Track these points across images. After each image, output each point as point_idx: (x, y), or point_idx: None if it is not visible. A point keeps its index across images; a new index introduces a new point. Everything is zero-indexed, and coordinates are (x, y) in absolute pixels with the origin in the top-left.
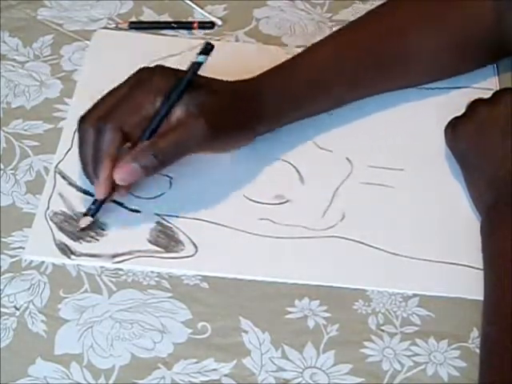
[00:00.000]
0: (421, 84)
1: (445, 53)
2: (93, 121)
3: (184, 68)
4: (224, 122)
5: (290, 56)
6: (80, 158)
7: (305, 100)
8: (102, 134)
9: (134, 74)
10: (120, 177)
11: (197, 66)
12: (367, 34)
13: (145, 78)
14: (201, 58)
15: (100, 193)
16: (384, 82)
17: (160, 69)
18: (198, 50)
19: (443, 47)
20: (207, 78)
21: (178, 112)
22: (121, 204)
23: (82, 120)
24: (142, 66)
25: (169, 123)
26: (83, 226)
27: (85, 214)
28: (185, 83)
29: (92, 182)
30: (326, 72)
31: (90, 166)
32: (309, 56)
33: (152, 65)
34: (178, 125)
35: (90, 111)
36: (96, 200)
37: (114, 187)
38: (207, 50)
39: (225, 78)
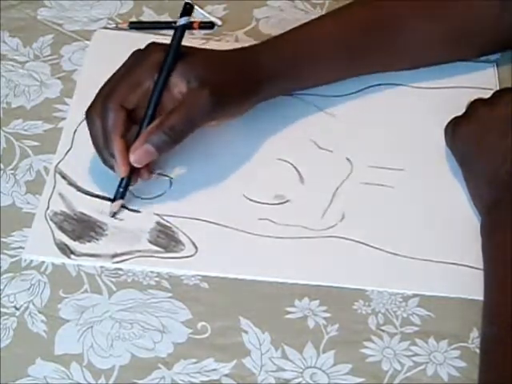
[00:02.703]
0: (418, 66)
1: (444, 41)
2: (95, 107)
3: None
4: (227, 90)
5: None
6: (94, 147)
7: (303, 69)
8: (107, 115)
9: (129, 57)
10: (135, 158)
11: (181, 28)
12: (368, 15)
13: (140, 56)
14: (183, 20)
15: (122, 171)
16: (383, 62)
17: (153, 45)
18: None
19: (443, 36)
20: (202, 48)
21: (181, 87)
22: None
23: (87, 111)
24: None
25: (174, 99)
26: (116, 210)
27: (113, 199)
28: (175, 47)
29: (112, 167)
30: (325, 44)
31: (105, 150)
32: (308, 28)
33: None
34: (183, 100)
35: (92, 101)
36: (121, 183)
37: (135, 170)
38: (187, 10)
39: None
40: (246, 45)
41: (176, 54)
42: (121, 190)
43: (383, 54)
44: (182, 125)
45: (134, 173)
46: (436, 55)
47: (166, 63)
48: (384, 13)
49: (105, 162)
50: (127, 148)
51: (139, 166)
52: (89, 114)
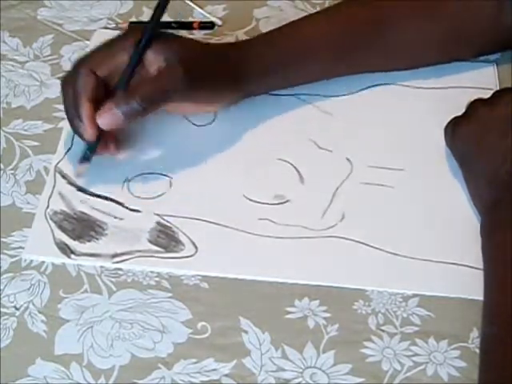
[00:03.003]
0: (416, 67)
1: (442, 41)
2: (69, 74)
3: None
4: (203, 74)
5: None
6: (67, 116)
7: (291, 66)
8: (77, 80)
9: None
10: (103, 121)
11: (163, 1)
12: (366, 14)
13: (124, 32)
14: None
15: (88, 134)
16: (371, 62)
17: (136, 26)
18: None
19: (441, 36)
20: (190, 38)
21: (157, 61)
22: (121, 204)
23: (62, 79)
24: None
25: (148, 72)
26: (81, 172)
27: (80, 162)
28: (155, 19)
29: (82, 136)
30: (313, 41)
31: (75, 117)
32: (300, 25)
33: None
34: (158, 74)
35: (67, 70)
36: (89, 147)
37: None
38: None
39: None
40: None
41: (156, 24)
42: (87, 152)
43: (379, 54)
44: (153, 94)
45: (101, 142)
46: (434, 55)
47: (145, 34)
48: (382, 12)
49: (75, 130)
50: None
51: (106, 129)
52: (62, 82)
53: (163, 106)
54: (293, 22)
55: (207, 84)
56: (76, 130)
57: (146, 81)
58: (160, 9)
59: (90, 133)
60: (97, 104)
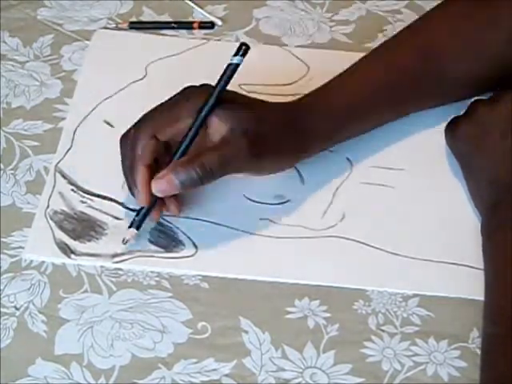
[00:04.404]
0: (458, 101)
1: (483, 76)
2: (129, 133)
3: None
4: (267, 147)
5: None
6: (123, 173)
7: (357, 121)
8: (136, 143)
9: (180, 91)
10: (156, 187)
11: (232, 68)
12: (404, 56)
13: (188, 93)
14: (236, 60)
15: (141, 199)
16: (422, 104)
17: (205, 86)
18: (234, 51)
19: (482, 71)
20: (252, 97)
21: (221, 129)
22: (121, 204)
23: (121, 136)
24: (188, 84)
25: (210, 139)
26: (128, 238)
27: (129, 227)
28: (222, 85)
29: (133, 194)
30: (363, 97)
31: (130, 177)
32: (358, 77)
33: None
34: (221, 142)
35: (129, 128)
36: (140, 211)
37: (159, 201)
38: (243, 51)
39: None
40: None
41: (222, 91)
42: (136, 219)
43: (422, 100)
44: (213, 166)
45: (159, 205)
46: (475, 90)
47: (211, 99)
48: (422, 51)
49: (131, 191)
50: (151, 179)
51: (160, 195)
52: (122, 139)
53: (221, 177)
54: (350, 71)
55: (271, 156)
56: (130, 191)
57: (207, 150)
58: (228, 73)
59: (142, 198)
60: (155, 167)
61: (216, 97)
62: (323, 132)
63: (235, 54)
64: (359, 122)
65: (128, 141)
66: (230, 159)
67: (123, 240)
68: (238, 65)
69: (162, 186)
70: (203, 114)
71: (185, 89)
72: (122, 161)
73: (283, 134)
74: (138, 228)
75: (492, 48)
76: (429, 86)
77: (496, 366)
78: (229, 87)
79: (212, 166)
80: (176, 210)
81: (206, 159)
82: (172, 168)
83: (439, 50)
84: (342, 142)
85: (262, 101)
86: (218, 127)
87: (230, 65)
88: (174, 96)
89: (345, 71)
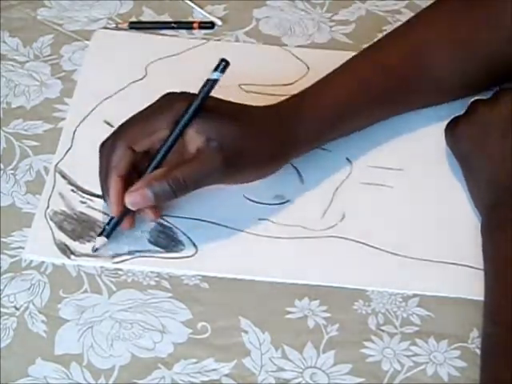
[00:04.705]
0: (451, 101)
1: (472, 76)
2: (107, 142)
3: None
4: (245, 159)
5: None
6: (99, 181)
7: (332, 124)
8: (112, 153)
9: (159, 98)
10: (130, 200)
11: (211, 83)
12: (392, 56)
13: (166, 102)
14: (215, 75)
15: (112, 210)
16: (411, 103)
17: (185, 95)
18: (213, 66)
19: (471, 71)
20: (234, 104)
21: (198, 142)
22: None
23: (100, 144)
24: (168, 91)
25: (186, 150)
26: (98, 246)
27: (99, 234)
28: (198, 101)
29: (106, 201)
30: (350, 96)
31: (104, 186)
32: (344, 77)
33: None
34: (197, 156)
35: (107, 136)
36: (111, 220)
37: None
38: (222, 67)
39: (224, 78)
40: (246, 45)
41: (199, 107)
42: (107, 228)
43: (411, 100)
44: (187, 179)
45: (132, 213)
46: (465, 90)
47: (187, 113)
48: (410, 50)
49: (104, 200)
50: (125, 189)
51: (133, 208)
52: (100, 148)
53: (197, 189)
54: (335, 73)
55: (250, 168)
56: (104, 199)
57: (182, 162)
58: (206, 89)
59: (114, 209)
60: (133, 176)
61: (193, 111)
62: (310, 132)
63: (215, 70)
64: (347, 121)
65: (105, 150)
66: (205, 173)
67: (93, 248)
68: (216, 80)
69: (135, 198)
70: (178, 129)
71: (164, 96)
72: (99, 169)
73: (266, 143)
74: (107, 236)
75: (489, 47)
76: (416, 85)
77: (496, 365)
78: (229, 87)
79: (186, 179)
80: (153, 217)
81: (181, 173)
82: (145, 181)
83: (426, 49)
84: (332, 141)
85: (247, 107)
86: (194, 138)
87: (208, 80)
88: (153, 104)
89: (332, 71)
